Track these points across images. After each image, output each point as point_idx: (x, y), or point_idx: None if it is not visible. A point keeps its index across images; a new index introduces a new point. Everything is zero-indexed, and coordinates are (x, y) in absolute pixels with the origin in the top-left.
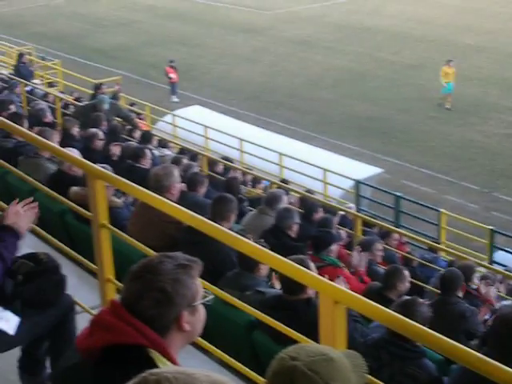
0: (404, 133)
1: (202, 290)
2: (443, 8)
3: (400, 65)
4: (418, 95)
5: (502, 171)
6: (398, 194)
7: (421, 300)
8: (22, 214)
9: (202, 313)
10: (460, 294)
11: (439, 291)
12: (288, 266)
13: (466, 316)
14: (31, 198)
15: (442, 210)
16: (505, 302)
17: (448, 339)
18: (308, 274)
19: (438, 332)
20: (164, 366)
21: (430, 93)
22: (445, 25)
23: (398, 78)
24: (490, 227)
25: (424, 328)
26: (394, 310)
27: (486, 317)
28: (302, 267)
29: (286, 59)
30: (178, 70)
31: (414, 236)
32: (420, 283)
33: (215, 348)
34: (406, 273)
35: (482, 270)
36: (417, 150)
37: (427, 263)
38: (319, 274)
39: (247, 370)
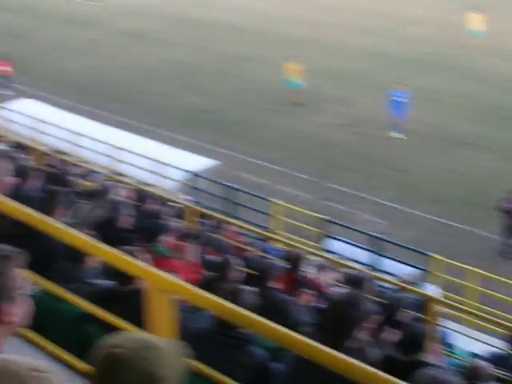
0: (238, 125)
1: (23, 280)
2: (275, 0)
3: (233, 57)
4: (251, 87)
5: (334, 161)
6: (233, 185)
7: (249, 288)
8: None
9: (24, 304)
10: (273, 285)
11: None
12: (116, 257)
13: (282, 308)
14: None
15: (272, 199)
16: (336, 289)
17: (277, 325)
18: (135, 265)
19: None
20: None
21: (264, 85)
22: (277, 17)
23: (231, 71)
24: (322, 216)
25: (254, 316)
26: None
27: (315, 303)
28: (130, 258)
29: (119, 52)
30: (11, 62)
31: (248, 226)
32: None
33: (46, 341)
34: (239, 262)
35: (316, 258)
36: (251, 141)
37: (261, 253)
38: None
39: (78, 362)
